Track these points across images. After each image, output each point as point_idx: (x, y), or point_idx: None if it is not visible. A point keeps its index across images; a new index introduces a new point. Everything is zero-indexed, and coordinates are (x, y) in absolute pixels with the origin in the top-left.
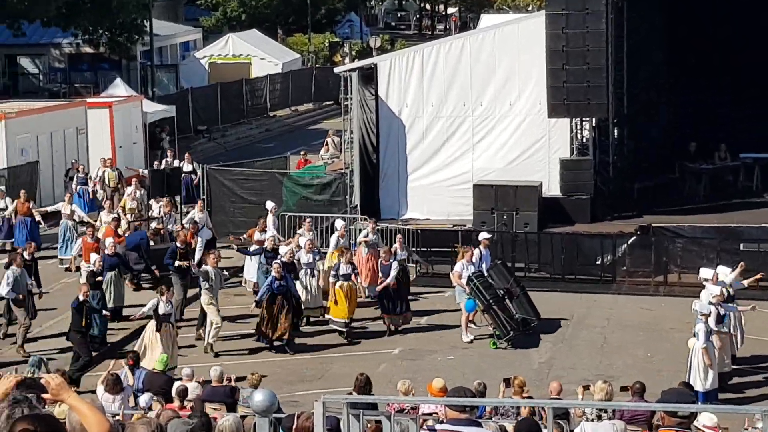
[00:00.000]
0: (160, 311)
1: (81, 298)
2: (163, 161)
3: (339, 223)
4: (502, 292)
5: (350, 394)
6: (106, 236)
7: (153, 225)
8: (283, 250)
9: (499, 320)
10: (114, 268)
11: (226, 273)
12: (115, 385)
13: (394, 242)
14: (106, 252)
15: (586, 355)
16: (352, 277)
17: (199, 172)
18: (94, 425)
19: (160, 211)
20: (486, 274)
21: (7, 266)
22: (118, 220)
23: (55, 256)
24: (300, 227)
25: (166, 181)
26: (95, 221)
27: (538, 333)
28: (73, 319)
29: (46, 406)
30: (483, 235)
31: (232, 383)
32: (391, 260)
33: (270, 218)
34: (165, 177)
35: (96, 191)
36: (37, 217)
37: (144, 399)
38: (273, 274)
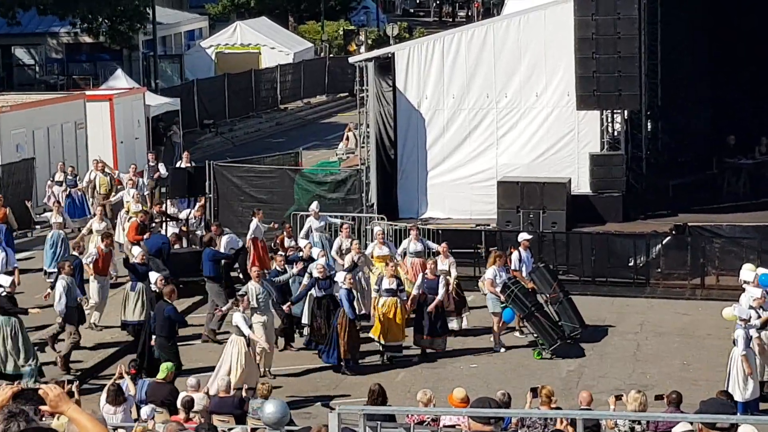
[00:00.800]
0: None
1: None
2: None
3: (377, 229)
4: (544, 297)
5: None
6: (132, 239)
7: (172, 229)
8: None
9: (543, 329)
10: (145, 277)
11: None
12: (116, 396)
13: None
14: (135, 261)
15: (617, 363)
16: (397, 293)
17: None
18: None
19: (187, 213)
20: (528, 278)
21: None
22: (146, 214)
23: (41, 269)
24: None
25: (189, 181)
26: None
27: (580, 342)
28: (168, 326)
29: (44, 419)
30: (522, 236)
31: (243, 393)
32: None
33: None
34: (187, 176)
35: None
36: (14, 225)
37: (146, 411)
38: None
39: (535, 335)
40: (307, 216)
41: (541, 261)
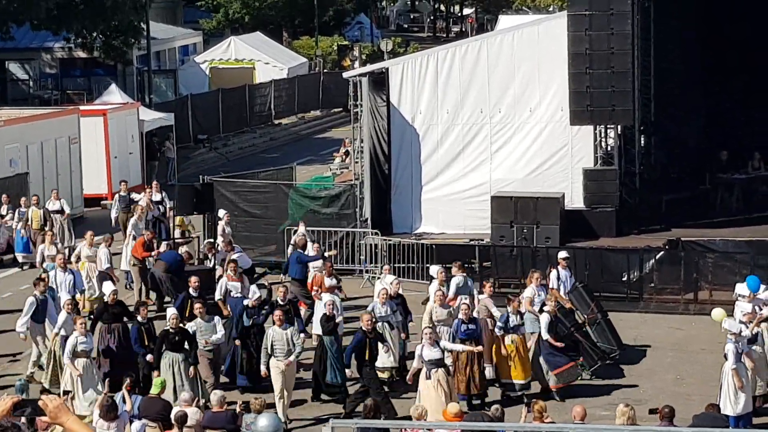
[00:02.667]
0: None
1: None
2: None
3: (434, 269)
4: (582, 318)
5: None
6: (140, 255)
7: (183, 248)
8: (326, 297)
9: (583, 349)
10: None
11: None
12: (109, 411)
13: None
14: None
15: (611, 378)
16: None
17: (168, 203)
18: None
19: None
20: (566, 297)
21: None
22: (154, 233)
23: None
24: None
25: (196, 198)
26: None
27: (619, 364)
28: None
29: None
30: (562, 255)
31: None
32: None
33: (220, 226)
34: (194, 193)
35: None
36: None
37: (136, 426)
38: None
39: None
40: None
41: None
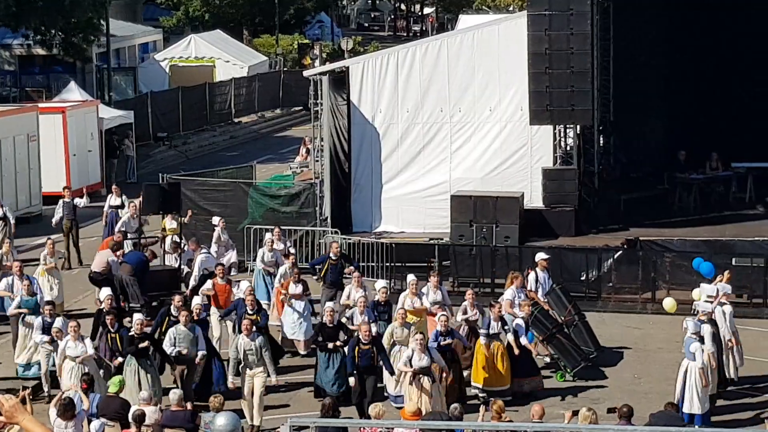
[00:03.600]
0: None
1: None
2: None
3: (410, 278)
4: (560, 320)
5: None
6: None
7: (150, 248)
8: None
9: (565, 350)
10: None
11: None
12: (66, 410)
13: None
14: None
15: (569, 377)
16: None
17: (128, 206)
18: None
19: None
20: (544, 299)
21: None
22: (123, 235)
23: None
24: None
25: (163, 197)
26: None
27: (598, 365)
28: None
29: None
30: (540, 256)
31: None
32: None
33: (216, 233)
34: (161, 192)
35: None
36: None
37: (95, 425)
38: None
39: (557, 358)
40: (261, 229)
41: (493, 275)
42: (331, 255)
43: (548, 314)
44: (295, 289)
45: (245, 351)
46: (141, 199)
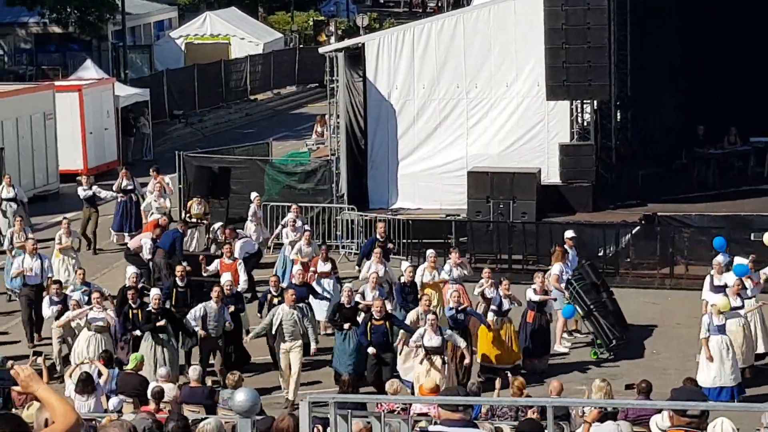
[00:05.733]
0: None
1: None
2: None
3: (429, 252)
4: (604, 296)
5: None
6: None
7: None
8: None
9: (600, 328)
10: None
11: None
12: (86, 385)
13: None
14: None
15: (587, 353)
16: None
17: (141, 190)
18: (60, 416)
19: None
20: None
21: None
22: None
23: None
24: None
25: (212, 181)
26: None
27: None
28: None
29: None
30: (568, 234)
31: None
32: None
33: (252, 208)
34: (211, 176)
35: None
36: None
37: (113, 402)
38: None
39: (593, 335)
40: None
41: (510, 251)
42: (378, 237)
43: (589, 290)
44: (324, 266)
45: (283, 321)
46: (178, 179)
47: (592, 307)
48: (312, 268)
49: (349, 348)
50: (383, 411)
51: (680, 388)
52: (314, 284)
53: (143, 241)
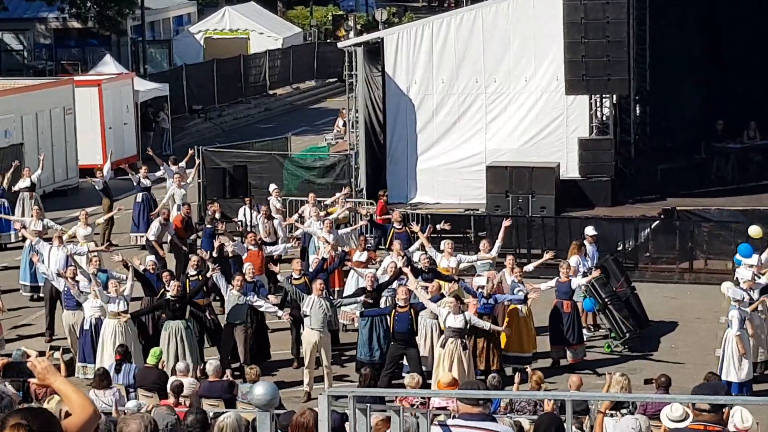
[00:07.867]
0: None
1: None
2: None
3: (445, 241)
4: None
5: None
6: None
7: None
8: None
9: (614, 321)
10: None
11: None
12: (102, 380)
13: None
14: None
15: (616, 348)
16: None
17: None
18: (77, 408)
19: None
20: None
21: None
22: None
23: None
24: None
25: (228, 182)
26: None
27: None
28: None
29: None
30: (589, 231)
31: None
32: (571, 277)
33: (271, 201)
34: (223, 176)
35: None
36: None
37: (131, 405)
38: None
39: (608, 328)
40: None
41: (529, 245)
42: (395, 224)
43: (605, 284)
44: (360, 257)
45: (313, 310)
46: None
47: (606, 300)
48: (348, 261)
49: (375, 335)
50: (403, 405)
51: (702, 384)
52: (350, 276)
53: (152, 224)
